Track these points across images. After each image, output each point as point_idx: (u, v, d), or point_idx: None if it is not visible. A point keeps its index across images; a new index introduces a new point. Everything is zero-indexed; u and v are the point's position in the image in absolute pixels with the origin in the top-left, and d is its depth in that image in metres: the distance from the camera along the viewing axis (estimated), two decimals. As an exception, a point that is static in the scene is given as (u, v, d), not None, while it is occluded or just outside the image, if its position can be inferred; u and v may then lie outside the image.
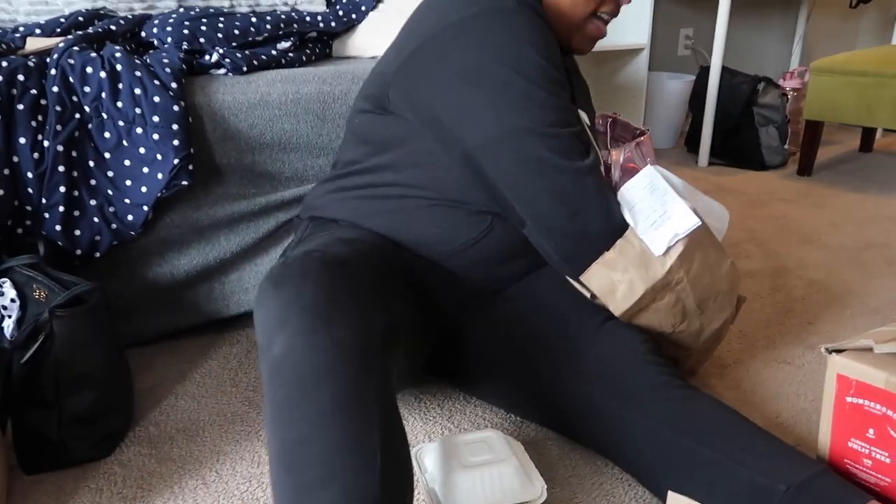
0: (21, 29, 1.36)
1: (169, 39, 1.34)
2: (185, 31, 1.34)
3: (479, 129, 0.90)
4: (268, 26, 1.45)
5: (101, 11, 1.45)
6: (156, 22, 1.38)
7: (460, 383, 1.15)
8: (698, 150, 2.71)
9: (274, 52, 1.40)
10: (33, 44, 1.28)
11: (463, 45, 0.89)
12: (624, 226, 0.93)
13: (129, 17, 1.43)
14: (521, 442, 1.00)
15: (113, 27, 1.35)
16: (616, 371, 0.92)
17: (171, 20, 1.37)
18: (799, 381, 1.22)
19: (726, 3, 2.51)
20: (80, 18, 1.39)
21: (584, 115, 1.01)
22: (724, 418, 0.88)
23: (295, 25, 1.49)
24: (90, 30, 1.32)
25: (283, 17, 1.49)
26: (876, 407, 0.84)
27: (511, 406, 1.08)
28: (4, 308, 1.05)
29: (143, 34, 1.39)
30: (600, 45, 2.73)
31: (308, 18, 1.54)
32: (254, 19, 1.44)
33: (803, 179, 2.52)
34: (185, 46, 1.33)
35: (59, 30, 1.36)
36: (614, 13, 0.99)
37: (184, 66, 1.25)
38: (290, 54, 1.44)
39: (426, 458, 0.93)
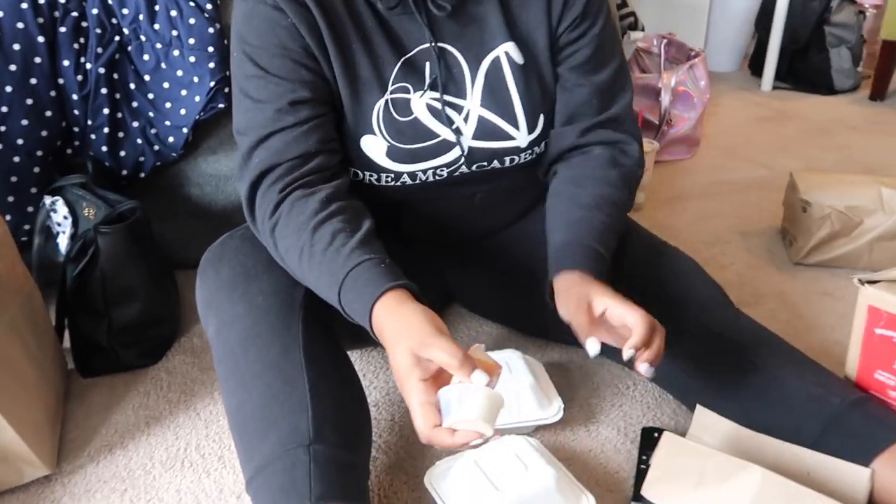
0: (66, -49, 1.38)
1: (206, -41, 1.33)
2: (222, -49, 1.33)
3: None
4: (305, -56, 1.42)
5: (142, -68, 1.45)
6: (193, -58, 1.37)
7: (484, 313, 1.16)
8: (762, 74, 2.56)
9: (310, -28, 1.38)
10: (76, -34, 1.30)
11: None
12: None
13: (169, -63, 1.42)
14: (542, 364, 1.02)
15: (152, -52, 1.35)
16: (671, 287, 0.89)
17: (208, -61, 1.36)
18: (838, 313, 1.18)
19: None
20: (122, -60, 1.40)
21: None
22: (772, 337, 0.87)
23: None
24: (130, -49, 1.33)
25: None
26: (906, 339, 0.81)
27: (532, 328, 1.09)
28: (59, 225, 1.12)
29: (181, -45, 1.39)
30: (661, -40, 2.57)
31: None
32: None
33: (875, 105, 2.36)
34: (221, -33, 1.33)
35: (101, -48, 1.37)
36: None
37: (219, -14, 1.25)
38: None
39: (446, 374, 0.96)
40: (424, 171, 0.84)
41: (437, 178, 0.86)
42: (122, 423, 0.97)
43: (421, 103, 0.81)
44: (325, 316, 0.79)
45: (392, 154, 0.82)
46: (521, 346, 1.09)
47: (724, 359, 0.84)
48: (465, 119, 0.83)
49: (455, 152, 0.84)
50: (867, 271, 0.88)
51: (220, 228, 1.31)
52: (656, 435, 0.90)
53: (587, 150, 0.88)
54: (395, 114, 0.81)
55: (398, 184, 0.85)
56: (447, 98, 0.82)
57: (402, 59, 0.80)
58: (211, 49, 1.18)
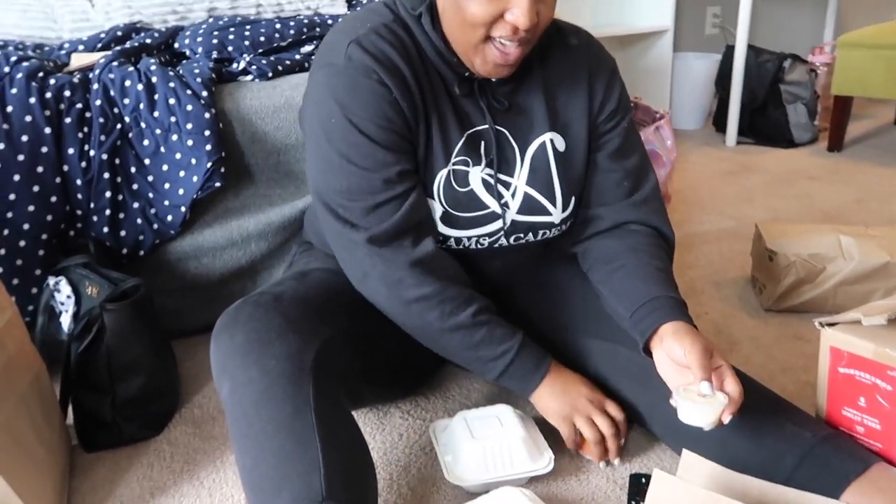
0: (66, 46, 1.47)
1: (199, 49, 1.43)
2: (214, 41, 1.43)
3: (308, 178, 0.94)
4: (291, 31, 1.53)
5: (138, 25, 1.55)
6: (187, 33, 1.47)
7: None
8: (726, 130, 2.70)
9: (298, 57, 1.48)
10: (78, 60, 1.38)
11: (307, 96, 0.93)
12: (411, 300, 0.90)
13: (163, 29, 1.53)
14: (532, 417, 1.06)
15: (148, 40, 1.45)
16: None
17: (201, 31, 1.46)
18: (808, 355, 1.25)
19: (750, -20, 2.49)
20: (119, 33, 1.50)
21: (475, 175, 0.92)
22: (747, 380, 0.93)
23: (317, 29, 1.57)
24: (128, 44, 1.43)
25: (306, 21, 1.57)
26: (866, 376, 0.88)
27: None
28: (62, 304, 1.16)
29: (176, 45, 1.49)
30: (624, 28, 2.74)
31: (330, 21, 1.61)
32: (278, 25, 1.52)
33: (832, 156, 2.50)
34: (214, 55, 1.43)
35: (99, 45, 1.47)
36: (515, 38, 0.81)
37: (213, 74, 1.34)
38: (313, 57, 1.51)
39: (440, 431, 1.01)
40: (469, 238, 0.95)
41: (479, 246, 0.96)
42: (127, 495, 0.99)
43: (477, 177, 0.92)
44: (332, 379, 0.84)
45: (445, 219, 0.93)
46: (511, 401, 1.13)
47: None
48: (513, 195, 0.94)
49: (498, 224, 0.95)
50: (833, 315, 0.95)
51: (218, 297, 1.37)
52: (644, 481, 0.94)
53: (629, 226, 1.00)
54: (454, 184, 0.92)
55: (441, 246, 0.94)
56: (500, 176, 0.93)
57: (466, 135, 0.92)
58: (207, 132, 1.26)
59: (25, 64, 1.22)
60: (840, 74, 2.43)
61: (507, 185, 0.94)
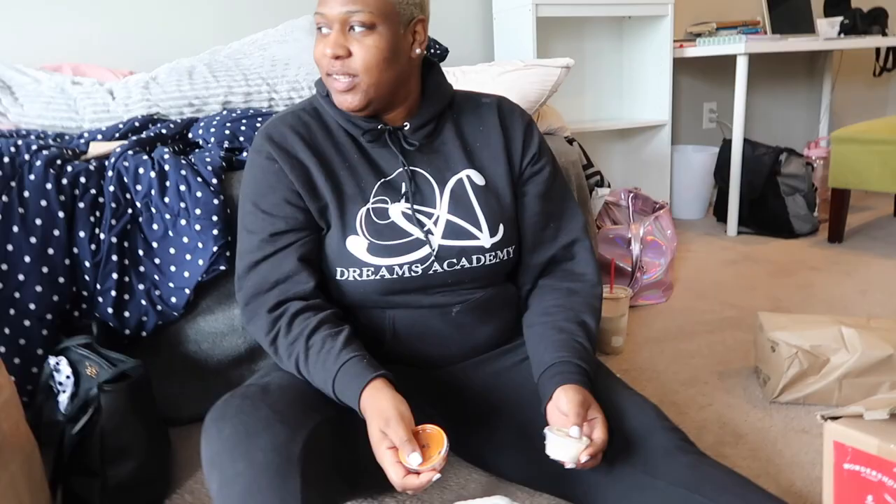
0: (85, 135, 1.53)
1: (212, 139, 1.49)
2: (227, 132, 1.49)
3: None
4: (301, 123, 1.59)
5: (155, 116, 1.62)
6: (201, 124, 1.54)
7: (473, 459, 1.18)
8: (727, 220, 2.75)
9: (306, 146, 1.54)
10: (95, 148, 1.44)
11: None
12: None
13: (179, 120, 1.59)
14: (532, 510, 1.03)
15: (164, 131, 1.51)
16: (630, 437, 0.95)
17: (214, 122, 1.53)
18: (815, 449, 1.22)
19: (743, 79, 2.60)
20: (137, 123, 1.56)
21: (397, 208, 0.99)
22: (734, 480, 0.90)
23: (326, 121, 1.64)
24: (144, 134, 1.49)
25: (315, 114, 1.64)
26: (872, 473, 0.86)
27: (519, 475, 1.11)
28: (60, 384, 1.16)
29: (190, 135, 1.55)
30: (623, 122, 2.84)
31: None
32: (289, 117, 1.59)
33: (833, 247, 2.52)
34: (226, 145, 1.48)
35: (117, 134, 1.53)
36: (334, 70, 0.94)
37: (223, 163, 1.39)
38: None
39: (437, 524, 0.98)
40: (401, 266, 0.99)
41: (413, 273, 0.99)
42: (111, 588, 0.96)
43: (397, 211, 1.00)
44: (322, 468, 0.82)
45: (372, 250, 0.99)
46: (510, 493, 1.10)
47: None
48: (435, 223, 1.01)
49: (426, 249, 0.99)
50: (839, 408, 0.94)
51: (215, 386, 1.36)
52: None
53: (554, 274, 1.09)
54: (374, 218, 0.99)
55: (377, 277, 0.98)
56: (418, 207, 1.01)
57: (381, 181, 1.01)
58: (215, 218, 1.29)
59: (45, 152, 1.28)
60: (836, 168, 2.49)
61: (428, 215, 1.01)
